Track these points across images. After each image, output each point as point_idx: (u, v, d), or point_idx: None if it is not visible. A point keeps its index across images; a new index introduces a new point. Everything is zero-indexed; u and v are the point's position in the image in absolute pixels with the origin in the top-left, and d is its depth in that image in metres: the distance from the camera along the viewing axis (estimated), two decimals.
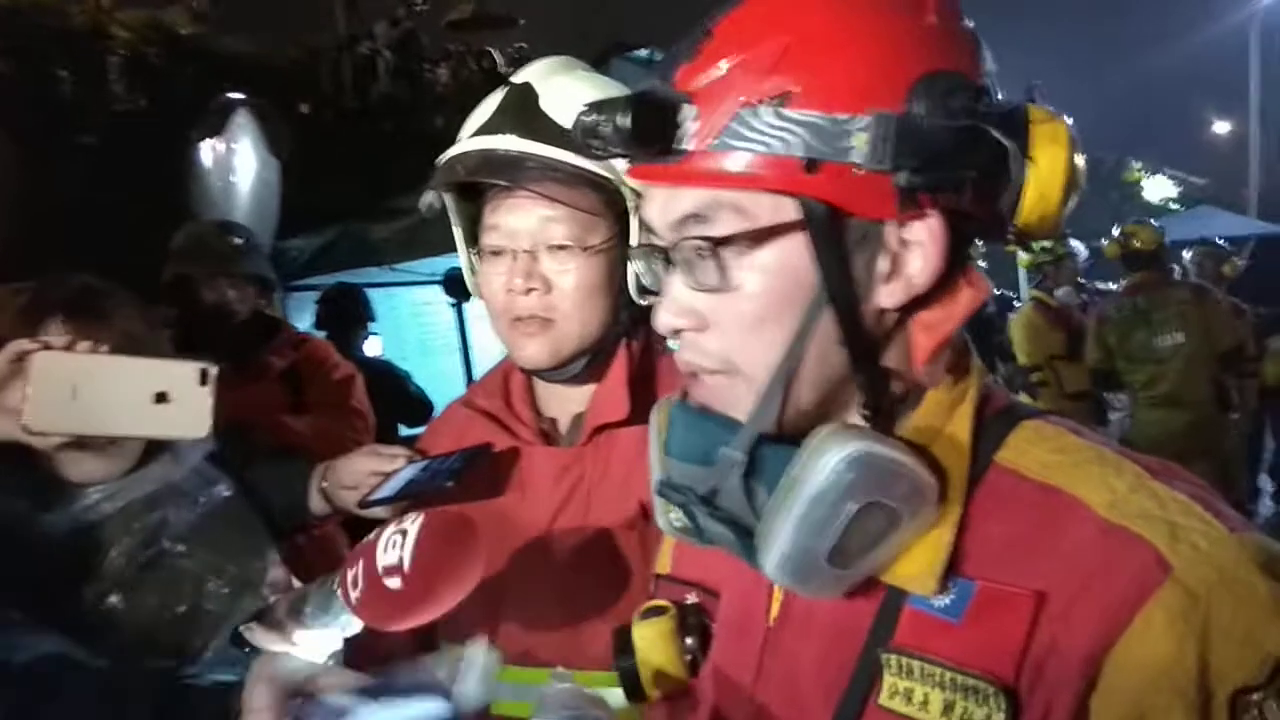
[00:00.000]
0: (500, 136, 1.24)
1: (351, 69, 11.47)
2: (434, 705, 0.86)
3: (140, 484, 1.56)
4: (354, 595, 0.99)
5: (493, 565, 1.24)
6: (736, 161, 0.70)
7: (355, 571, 0.99)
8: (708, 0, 0.76)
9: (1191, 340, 4.87)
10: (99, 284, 1.61)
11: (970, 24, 0.76)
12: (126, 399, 1.40)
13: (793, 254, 0.71)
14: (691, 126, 0.71)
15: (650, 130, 0.71)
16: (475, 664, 0.88)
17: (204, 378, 1.43)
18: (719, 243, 0.72)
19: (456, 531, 1.00)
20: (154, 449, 1.59)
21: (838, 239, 0.71)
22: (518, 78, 1.31)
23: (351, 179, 7.76)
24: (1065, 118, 0.75)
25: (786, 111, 0.69)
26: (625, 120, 0.70)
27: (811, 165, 0.69)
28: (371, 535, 1.02)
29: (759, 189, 0.71)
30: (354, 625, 1.01)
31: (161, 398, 1.40)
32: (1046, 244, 5.80)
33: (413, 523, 0.98)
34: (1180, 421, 4.85)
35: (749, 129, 0.69)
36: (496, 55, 12.45)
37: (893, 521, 0.71)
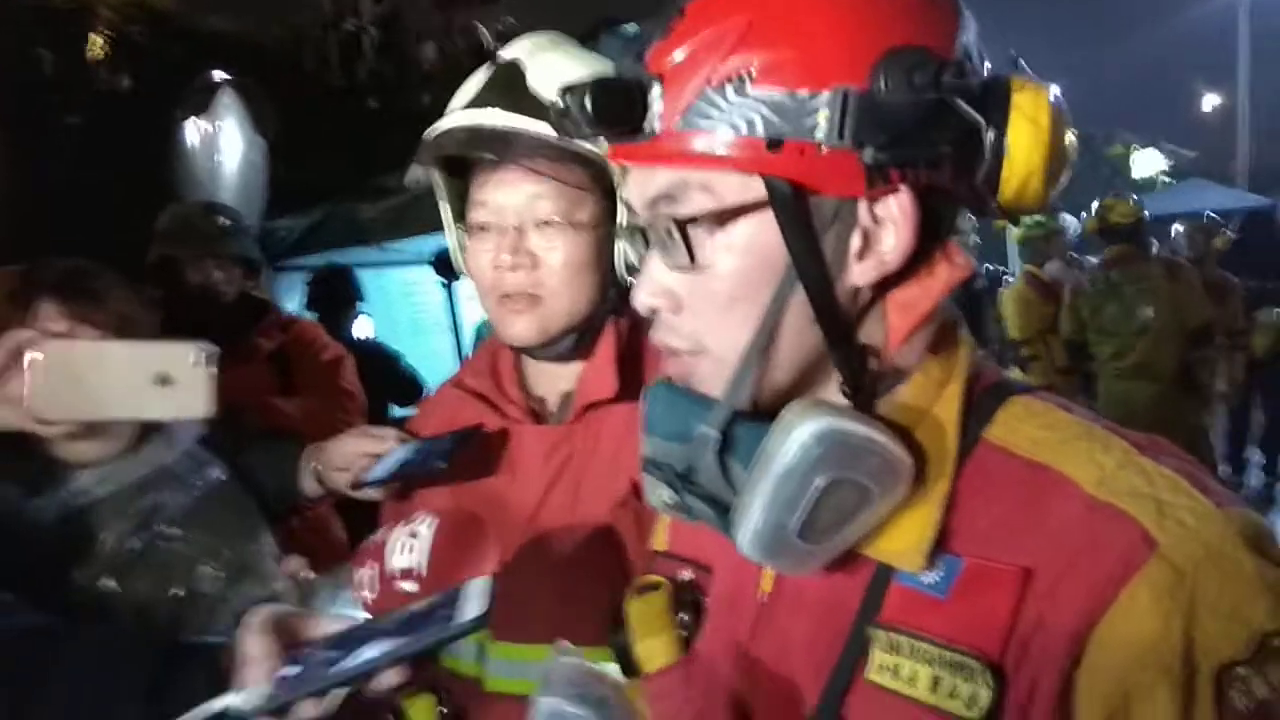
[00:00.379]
0: (488, 111, 1.23)
1: (337, 47, 11.39)
2: (426, 634, 0.86)
3: (133, 468, 1.56)
4: (367, 596, 0.99)
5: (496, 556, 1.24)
6: (701, 141, 0.70)
7: (369, 572, 0.99)
8: None
9: (1161, 315, 4.90)
10: (89, 265, 1.60)
11: None
12: (129, 383, 1.40)
13: (762, 233, 0.71)
14: (659, 107, 0.71)
15: (613, 113, 0.71)
16: (475, 589, 0.87)
17: (203, 358, 1.43)
18: (686, 222, 0.72)
19: (468, 532, 1.00)
20: (146, 432, 1.58)
21: (805, 217, 0.70)
22: (504, 54, 1.29)
23: (339, 158, 7.72)
24: (1051, 88, 0.74)
25: (749, 89, 0.68)
26: (589, 102, 0.70)
27: (774, 144, 0.68)
28: (379, 535, 1.02)
29: (724, 168, 0.70)
30: (363, 618, 1.02)
31: (163, 379, 1.41)
32: (1039, 218, 5.80)
33: (423, 525, 0.98)
34: (1145, 395, 4.90)
35: (713, 108, 0.69)
36: (483, 31, 12.38)
37: (864, 498, 0.70)
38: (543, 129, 1.19)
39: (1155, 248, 5.60)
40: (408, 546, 0.98)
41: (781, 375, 0.75)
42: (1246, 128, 21.44)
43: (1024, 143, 0.72)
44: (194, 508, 1.60)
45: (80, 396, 1.37)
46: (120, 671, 1.05)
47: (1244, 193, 15.91)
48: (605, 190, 1.25)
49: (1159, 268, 5.06)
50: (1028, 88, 0.73)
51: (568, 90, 0.72)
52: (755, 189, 0.70)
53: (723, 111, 0.69)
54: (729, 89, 0.69)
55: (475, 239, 1.29)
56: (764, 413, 0.74)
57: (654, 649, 0.91)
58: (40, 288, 1.52)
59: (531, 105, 1.21)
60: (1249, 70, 21.79)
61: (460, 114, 1.26)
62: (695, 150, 0.70)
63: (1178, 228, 6.66)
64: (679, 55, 0.71)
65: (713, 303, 0.74)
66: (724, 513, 0.74)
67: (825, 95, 0.68)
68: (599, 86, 0.71)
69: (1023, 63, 0.77)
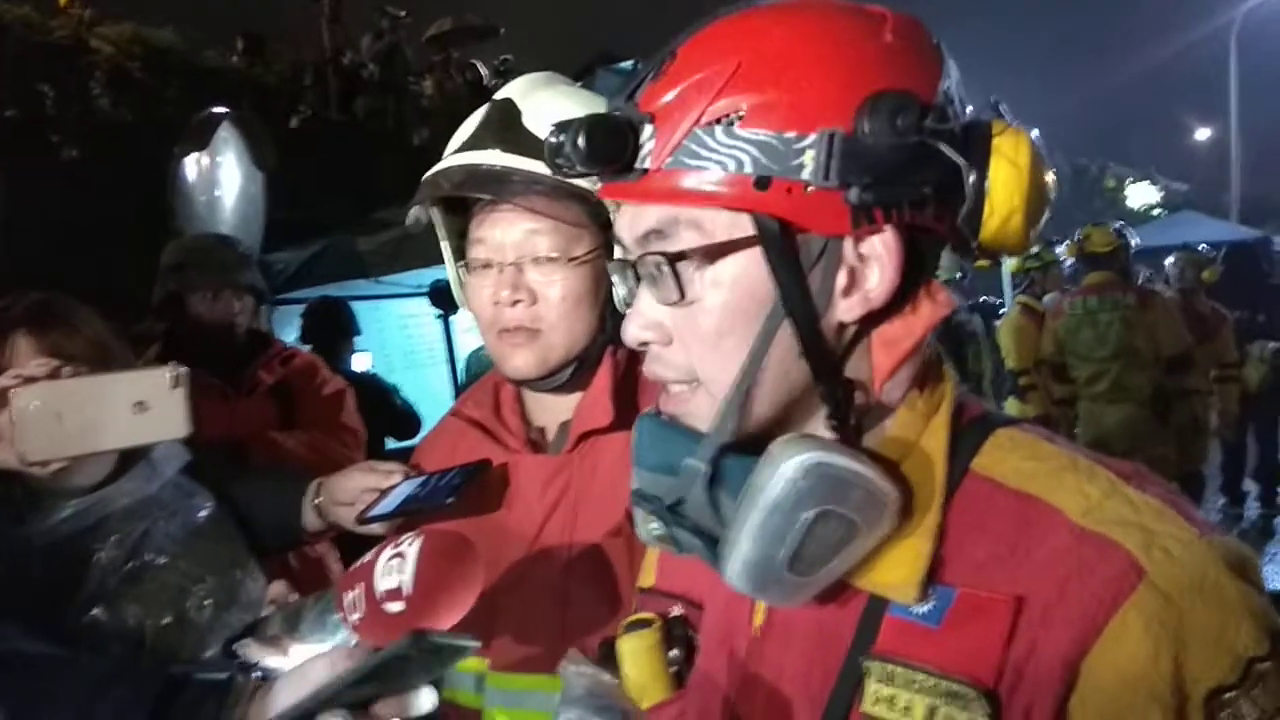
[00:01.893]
0: (484, 152, 1.25)
1: (336, 82, 11.48)
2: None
3: (117, 496, 1.56)
4: (354, 618, 0.99)
5: (484, 574, 1.25)
6: (692, 179, 0.72)
7: (355, 594, 1.00)
8: (694, 9, 0.77)
9: (1133, 343, 4.96)
10: (58, 296, 1.60)
11: (935, 41, 0.77)
12: (111, 414, 1.43)
13: (749, 269, 0.73)
14: (649, 145, 0.73)
15: (605, 150, 0.73)
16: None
17: (176, 380, 1.46)
18: (676, 258, 0.74)
19: (455, 552, 1.01)
20: (128, 460, 1.58)
21: (792, 254, 0.72)
22: (500, 94, 1.32)
23: (337, 192, 7.76)
24: (1030, 131, 0.76)
25: (737, 130, 0.70)
26: (583, 140, 0.72)
27: (762, 182, 0.70)
28: (368, 556, 1.02)
29: (713, 206, 0.72)
30: (350, 641, 1.02)
31: (141, 405, 1.44)
32: (1034, 249, 5.88)
33: (410, 545, 0.99)
34: (1113, 419, 4.96)
35: (703, 148, 0.71)
36: (481, 67, 12.48)
37: (851, 531, 0.71)
38: (538, 168, 1.21)
39: (1142, 277, 5.65)
40: (394, 567, 0.98)
41: (768, 409, 0.76)
42: (1238, 160, 21.61)
43: (1004, 184, 0.74)
44: (181, 536, 1.60)
45: (66, 434, 1.40)
46: (121, 702, 1.05)
47: (1236, 225, 16.04)
48: (602, 224, 1.27)
49: (1134, 296, 5.13)
50: (1008, 131, 0.75)
51: (561, 128, 0.74)
52: (743, 226, 0.72)
53: (712, 151, 0.71)
54: (718, 129, 0.71)
55: (475, 275, 1.31)
56: (752, 446, 0.75)
57: (647, 686, 0.91)
58: (12, 322, 1.52)
59: (527, 144, 1.23)
60: (1239, 103, 22.00)
61: (457, 154, 1.28)
62: (685, 188, 0.72)
63: (1169, 260, 6.71)
64: (670, 96, 0.73)
65: (701, 337, 0.75)
66: (713, 545, 0.75)
67: (812, 137, 0.70)
68: (591, 124, 0.73)
69: (1003, 107, 0.78)
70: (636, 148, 0.73)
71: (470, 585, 1.00)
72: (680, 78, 0.73)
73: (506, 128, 1.26)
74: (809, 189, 0.70)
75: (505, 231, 1.26)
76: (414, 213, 1.33)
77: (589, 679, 0.89)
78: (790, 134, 0.70)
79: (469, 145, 1.28)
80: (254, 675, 1.07)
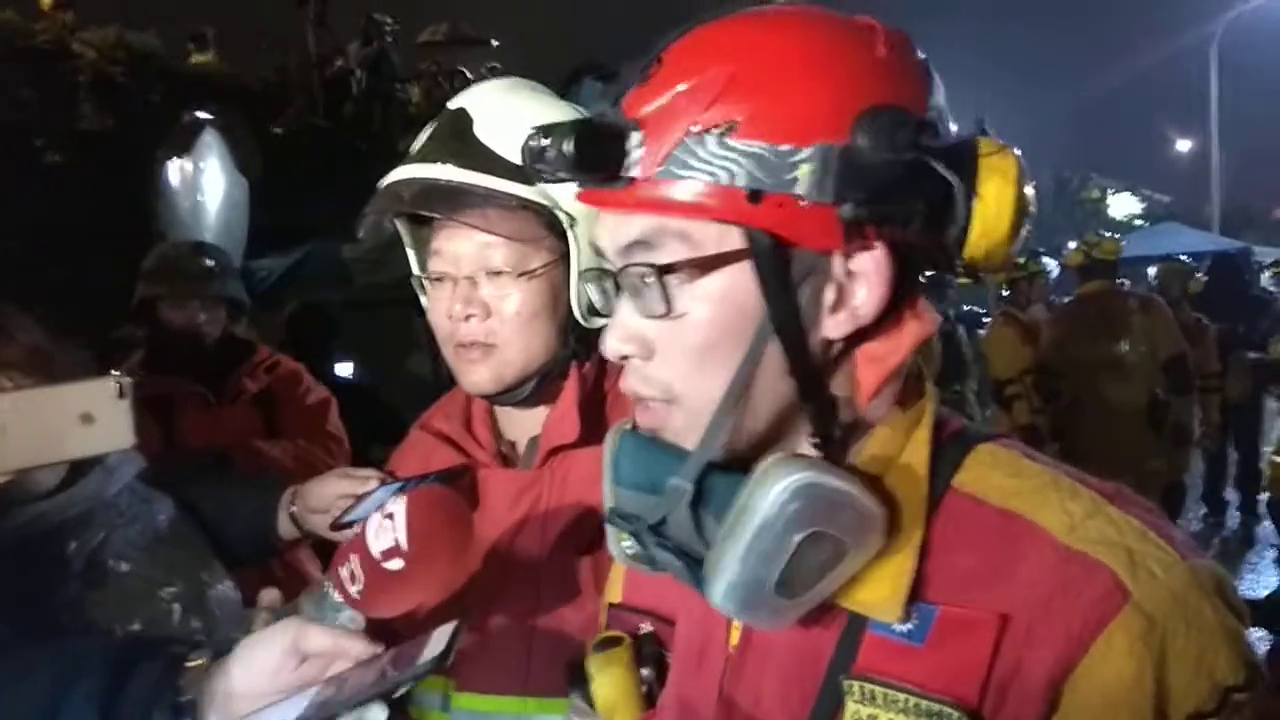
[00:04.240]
0: (435, 165, 1.23)
1: (323, 88, 11.46)
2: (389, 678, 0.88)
3: (71, 503, 1.54)
4: (354, 590, 1.00)
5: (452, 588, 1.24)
6: (681, 190, 0.69)
7: (351, 567, 1.00)
8: (688, 16, 0.75)
9: (1135, 350, 4.98)
10: None
11: (923, 56, 0.76)
12: (54, 426, 1.40)
13: (738, 283, 0.71)
14: (637, 154, 0.70)
15: (594, 157, 0.70)
16: (440, 633, 0.90)
17: (121, 391, 1.43)
18: (663, 270, 0.71)
19: (442, 503, 1.03)
20: (79, 469, 1.57)
21: (783, 269, 0.70)
22: (454, 102, 1.29)
23: (321, 198, 7.74)
24: (1014, 149, 0.76)
25: (731, 141, 0.68)
26: (570, 146, 0.69)
27: (755, 196, 0.68)
28: (355, 530, 1.03)
29: (703, 218, 0.70)
30: (354, 624, 1.02)
31: (85, 417, 1.41)
32: (1020, 259, 5.92)
33: (398, 504, 0.99)
34: (1109, 431, 4.96)
35: (694, 158, 0.69)
36: (468, 75, 12.48)
37: (839, 552, 0.69)
38: (490, 183, 1.19)
39: (1127, 287, 5.70)
40: (386, 527, 0.99)
41: (753, 426, 0.75)
42: (1219, 171, 21.81)
43: (997, 204, 0.73)
44: (142, 542, 1.58)
45: (9, 448, 1.37)
46: (72, 676, 1.04)
47: (1217, 236, 16.21)
48: (559, 234, 1.24)
49: (1133, 303, 5.15)
50: (997, 150, 0.74)
51: (545, 132, 0.71)
52: (733, 239, 0.70)
53: (704, 161, 0.68)
54: (710, 139, 0.68)
55: (432, 287, 1.29)
56: (735, 464, 0.73)
57: (617, 705, 0.89)
58: None
59: (479, 157, 1.21)
60: (1220, 115, 22.21)
61: (410, 167, 1.25)
62: (675, 198, 0.70)
63: (1151, 271, 6.77)
64: (659, 102, 0.70)
65: (686, 352, 0.73)
66: (693, 565, 0.73)
67: (807, 150, 0.68)
68: (579, 129, 0.70)
69: (987, 126, 0.78)
70: (623, 154, 0.70)
71: (462, 532, 1.02)
72: (669, 84, 0.70)
73: (457, 140, 1.23)
74: (802, 203, 0.68)
75: (459, 245, 1.24)
76: (366, 223, 1.31)
77: None
78: (785, 146, 0.68)
79: (420, 158, 1.25)
80: (206, 653, 1.05)
